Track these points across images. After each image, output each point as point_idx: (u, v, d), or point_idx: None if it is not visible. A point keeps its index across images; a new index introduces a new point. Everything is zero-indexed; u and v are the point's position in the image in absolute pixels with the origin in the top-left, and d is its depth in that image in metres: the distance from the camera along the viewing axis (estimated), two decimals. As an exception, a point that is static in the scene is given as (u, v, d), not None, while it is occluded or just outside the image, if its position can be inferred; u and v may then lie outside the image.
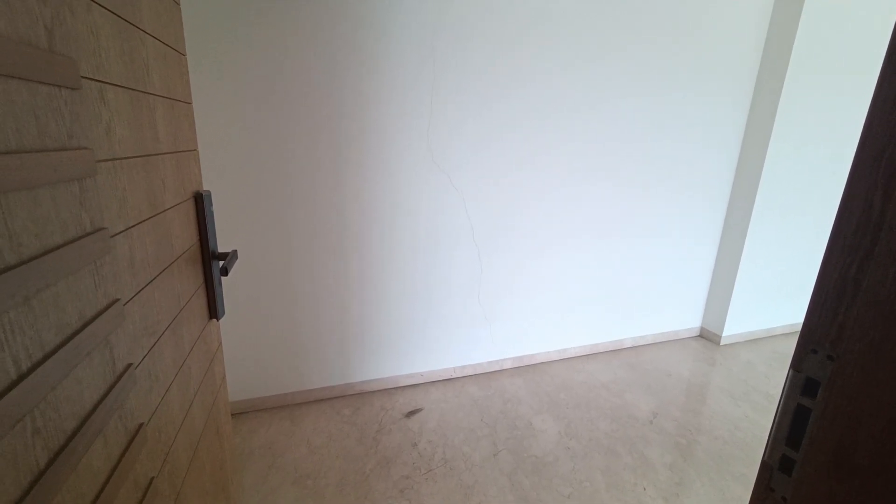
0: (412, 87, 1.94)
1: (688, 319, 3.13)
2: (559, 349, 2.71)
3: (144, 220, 0.75)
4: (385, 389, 2.30)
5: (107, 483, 0.57)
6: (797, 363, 0.56)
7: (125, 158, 0.69)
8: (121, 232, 0.66)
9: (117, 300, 0.62)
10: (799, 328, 2.77)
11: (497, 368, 2.55)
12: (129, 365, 0.65)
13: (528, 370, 2.58)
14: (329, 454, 1.83)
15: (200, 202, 1.04)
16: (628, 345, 2.95)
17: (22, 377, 0.42)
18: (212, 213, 1.08)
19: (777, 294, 3.15)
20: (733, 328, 3.07)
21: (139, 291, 0.71)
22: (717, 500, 1.65)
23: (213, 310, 1.11)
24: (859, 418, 0.51)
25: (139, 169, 0.74)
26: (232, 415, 2.03)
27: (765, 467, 0.61)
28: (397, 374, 2.32)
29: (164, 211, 0.84)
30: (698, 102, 2.56)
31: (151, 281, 0.76)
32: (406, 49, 1.88)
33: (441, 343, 2.36)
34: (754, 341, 3.15)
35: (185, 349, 0.93)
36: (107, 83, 0.64)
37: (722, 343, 3.06)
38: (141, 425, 0.68)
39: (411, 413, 2.11)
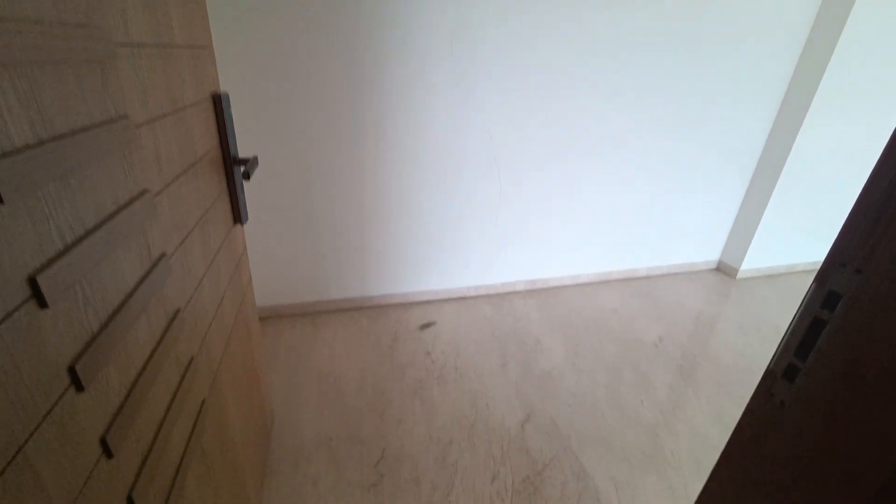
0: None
1: (706, 252, 3.09)
2: (573, 275, 2.75)
3: (166, 115, 0.74)
4: (401, 304, 2.41)
5: (152, 356, 0.63)
6: (822, 276, 0.56)
7: (143, 46, 0.66)
8: (144, 123, 0.65)
9: (147, 190, 0.63)
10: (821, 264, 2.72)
11: (510, 290, 2.62)
12: (163, 254, 0.68)
13: (540, 293, 2.64)
14: (348, 358, 1.97)
15: (219, 103, 1.01)
16: (642, 274, 2.96)
17: (68, 248, 0.45)
18: (230, 115, 1.06)
19: (806, 229, 3.05)
20: (753, 262, 3.03)
21: (167, 186, 0.72)
22: (712, 419, 1.75)
23: (237, 214, 1.13)
24: (875, 334, 0.52)
25: (157, 59, 0.71)
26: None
27: (768, 375, 0.64)
28: (413, 290, 2.41)
29: (185, 108, 0.83)
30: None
31: (177, 178, 0.77)
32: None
33: (457, 262, 2.41)
34: (773, 277, 3.13)
35: (213, 249, 0.97)
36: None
37: (738, 277, 3.04)
38: (178, 310, 0.73)
39: (425, 326, 2.22)
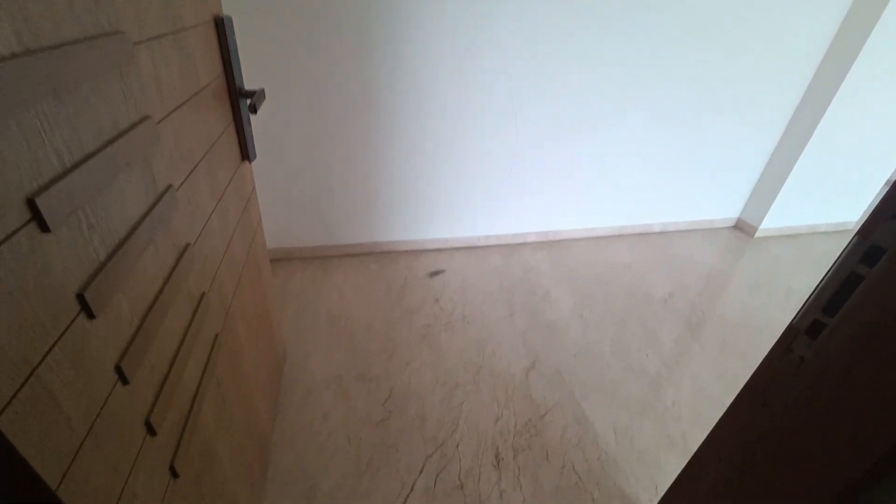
0: None
1: (726, 209, 2.99)
2: (586, 228, 2.70)
3: (165, 35, 0.69)
4: (411, 251, 2.40)
5: (163, 288, 0.62)
6: (866, 230, 0.52)
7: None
8: (142, 42, 0.60)
9: (149, 116, 0.60)
10: (851, 227, 2.65)
11: (521, 241, 2.60)
12: (170, 186, 0.66)
13: (552, 245, 2.61)
14: (358, 301, 2.00)
15: (222, 28, 0.95)
16: (657, 230, 2.90)
17: (67, 171, 0.43)
18: (235, 42, 0.99)
19: (834, 190, 2.92)
20: (773, 221, 2.94)
21: (169, 114, 0.69)
22: (715, 373, 1.77)
23: (245, 151, 1.10)
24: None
25: (150, -29, 0.65)
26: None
27: (791, 330, 0.62)
28: (423, 237, 2.39)
29: (185, 30, 0.77)
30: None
31: (180, 106, 0.73)
32: None
33: (468, 211, 2.37)
34: (792, 237, 3.04)
35: (221, 185, 0.95)
36: None
37: (756, 235, 2.97)
38: (188, 245, 0.72)
39: (434, 273, 2.23)
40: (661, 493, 1.15)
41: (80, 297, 0.44)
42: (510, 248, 2.53)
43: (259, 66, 1.73)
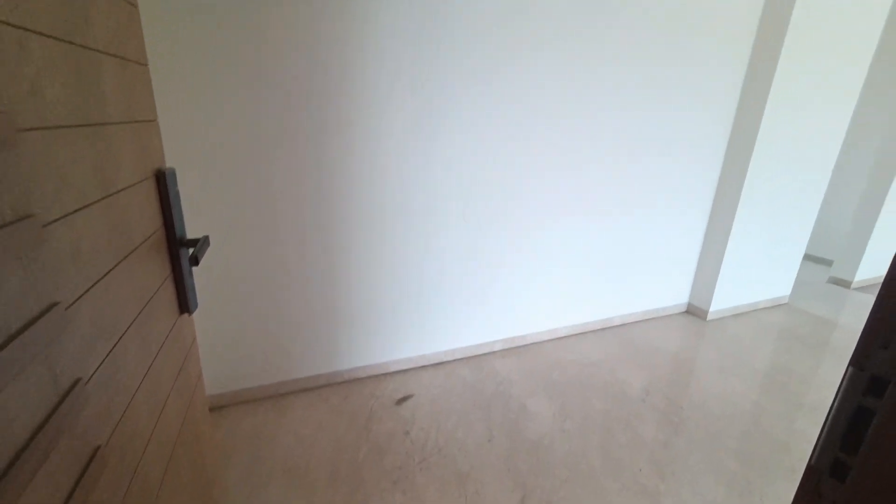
0: (398, 56, 1.79)
1: (676, 296, 3.13)
2: (550, 329, 2.68)
3: (93, 203, 0.63)
4: (374, 376, 2.23)
5: (56, 522, 0.47)
6: (860, 360, 0.50)
7: (61, 127, 0.56)
8: (59, 219, 0.54)
9: (56, 304, 0.51)
10: (782, 300, 2.82)
11: (488, 350, 2.51)
12: (78, 380, 0.54)
13: (519, 351, 2.54)
14: (318, 444, 1.76)
15: (163, 181, 0.91)
16: (617, 322, 2.94)
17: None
18: (177, 193, 0.95)
19: (762, 267, 3.17)
20: (720, 303, 3.09)
21: (89, 289, 0.59)
22: (712, 476, 1.65)
23: (185, 303, 0.99)
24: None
25: (83, 141, 0.61)
26: (212, 409, 1.94)
27: (811, 472, 0.56)
28: (386, 359, 2.24)
29: (119, 192, 0.72)
30: (694, 74, 2.48)
31: (105, 275, 0.65)
32: (393, 27, 1.73)
33: (431, 326, 2.29)
34: (739, 315, 3.19)
35: (153, 350, 0.82)
36: (30, 30, 0.51)
37: (709, 318, 3.08)
38: (97, 448, 0.57)
39: (402, 399, 2.05)
40: None
41: None
42: (478, 359, 2.43)
43: (207, 210, 1.70)
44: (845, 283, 4.01)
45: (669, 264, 2.98)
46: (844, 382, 0.51)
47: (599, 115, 2.30)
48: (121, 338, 0.68)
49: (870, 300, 3.68)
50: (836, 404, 0.52)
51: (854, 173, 4.37)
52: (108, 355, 0.63)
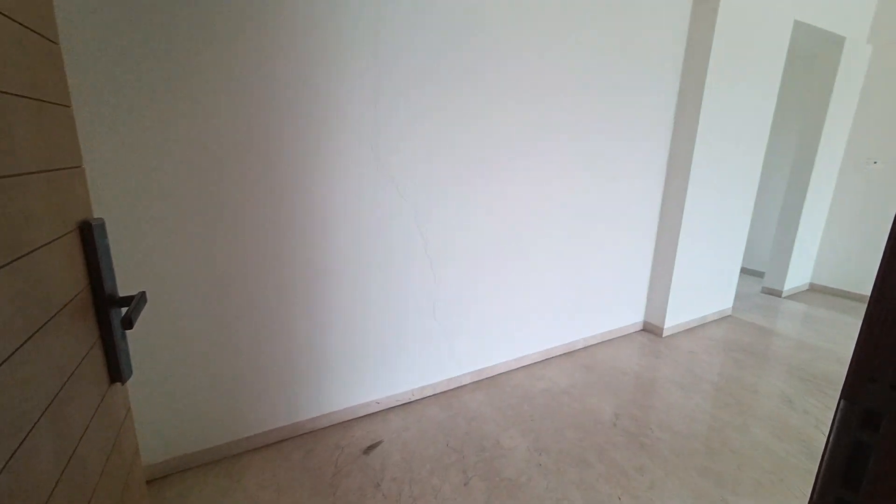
0: (353, 90, 1.76)
1: (633, 315, 3.23)
2: (517, 357, 2.66)
3: (-6, 271, 0.52)
4: (339, 423, 2.07)
5: None
6: (851, 393, 0.50)
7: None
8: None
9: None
10: (726, 312, 2.99)
11: (456, 385, 2.43)
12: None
13: (488, 383, 2.48)
14: (278, 510, 1.58)
15: (90, 233, 0.80)
16: (580, 346, 2.97)
17: None
18: (107, 246, 0.84)
19: (707, 283, 3.37)
20: (673, 319, 3.22)
21: (-13, 377, 0.48)
22: (689, 500, 1.65)
23: (116, 371, 0.86)
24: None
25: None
26: (156, 480, 1.70)
27: (814, 510, 0.54)
28: (351, 404, 2.10)
29: (32, 252, 0.61)
30: (632, 106, 2.65)
31: (11, 356, 0.53)
32: (346, 52, 1.71)
33: (396, 365, 2.19)
34: (691, 329, 3.34)
35: (77, 432, 0.70)
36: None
37: (664, 335, 3.20)
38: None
39: (370, 448, 1.91)
40: None
41: None
42: (447, 396, 2.34)
43: (144, 263, 1.54)
44: (777, 293, 4.34)
45: (625, 286, 3.08)
46: (837, 417, 0.51)
47: (547, 149, 2.38)
48: (31, 430, 0.56)
49: (799, 307, 4.00)
50: (831, 439, 0.51)
51: (774, 192, 4.83)
52: (10, 458, 0.51)
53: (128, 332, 0.90)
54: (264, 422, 1.89)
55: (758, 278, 4.99)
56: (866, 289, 4.09)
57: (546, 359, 2.80)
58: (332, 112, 1.75)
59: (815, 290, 4.54)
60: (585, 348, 2.98)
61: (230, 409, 1.81)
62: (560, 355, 2.86)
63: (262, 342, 1.81)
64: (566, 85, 2.34)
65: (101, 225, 0.83)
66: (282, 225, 1.75)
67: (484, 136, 2.14)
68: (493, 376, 2.56)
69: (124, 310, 0.83)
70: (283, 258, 1.78)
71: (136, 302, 0.84)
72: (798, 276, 4.40)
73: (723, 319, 3.59)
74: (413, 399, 2.28)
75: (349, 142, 1.81)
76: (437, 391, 2.36)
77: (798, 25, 3.18)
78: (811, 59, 3.96)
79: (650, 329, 3.28)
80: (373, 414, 2.16)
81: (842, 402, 0.51)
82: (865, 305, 3.50)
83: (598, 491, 1.69)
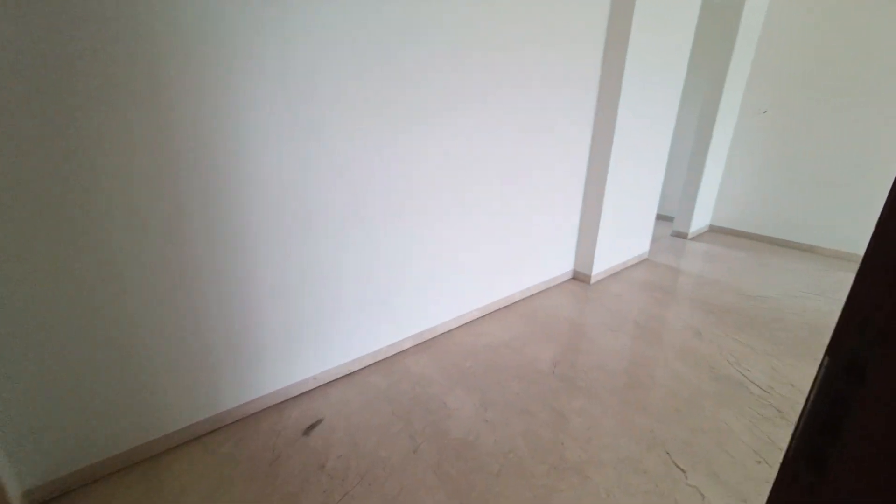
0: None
1: (563, 265, 3.36)
2: (457, 316, 2.64)
3: None
4: (273, 406, 1.91)
5: None
6: (835, 347, 0.47)
7: None
8: None
9: None
10: (644, 256, 3.20)
11: (399, 350, 2.36)
12: None
13: (430, 344, 2.45)
14: (211, 510, 1.43)
15: None
16: (518, 298, 3.04)
17: None
18: None
19: (628, 230, 3.58)
20: (599, 266, 3.40)
21: None
22: (625, 434, 1.77)
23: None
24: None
25: None
26: (61, 496, 1.44)
27: (790, 461, 0.53)
28: (285, 384, 1.94)
29: None
30: (561, 64, 2.58)
31: None
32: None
33: (332, 335, 2.05)
34: (615, 275, 3.56)
35: None
36: None
37: (592, 282, 3.38)
38: None
39: (310, 427, 1.79)
40: None
41: None
42: (390, 362, 2.27)
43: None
44: (684, 235, 4.78)
45: (556, 238, 3.16)
46: (821, 373, 0.48)
47: (476, 101, 2.25)
48: None
49: (701, 247, 4.44)
50: (812, 393, 0.49)
51: (682, 149, 5.20)
52: None
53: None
54: (183, 417, 1.68)
55: (668, 223, 5.45)
56: (758, 228, 4.64)
57: (487, 314, 2.82)
58: (239, 54, 1.44)
59: (713, 231, 5.08)
60: (523, 300, 3.05)
61: (140, 406, 1.57)
62: (499, 309, 2.89)
63: (167, 327, 1.56)
64: (498, 35, 2.19)
65: None
66: (178, 190, 1.46)
67: (415, 90, 1.95)
68: (434, 337, 2.53)
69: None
70: (183, 231, 1.51)
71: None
72: (701, 219, 4.86)
73: (641, 263, 3.88)
74: (354, 370, 2.18)
75: (258, 88, 1.53)
76: (378, 359, 2.28)
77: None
78: (721, 9, 4.16)
79: (579, 277, 3.44)
80: (310, 391, 2.02)
81: (826, 358, 0.48)
82: (758, 243, 3.94)
83: (542, 440, 1.75)
